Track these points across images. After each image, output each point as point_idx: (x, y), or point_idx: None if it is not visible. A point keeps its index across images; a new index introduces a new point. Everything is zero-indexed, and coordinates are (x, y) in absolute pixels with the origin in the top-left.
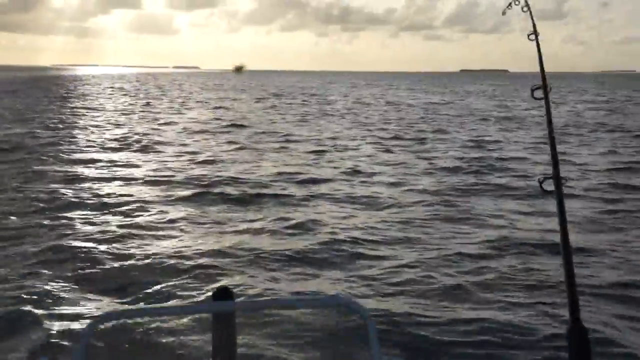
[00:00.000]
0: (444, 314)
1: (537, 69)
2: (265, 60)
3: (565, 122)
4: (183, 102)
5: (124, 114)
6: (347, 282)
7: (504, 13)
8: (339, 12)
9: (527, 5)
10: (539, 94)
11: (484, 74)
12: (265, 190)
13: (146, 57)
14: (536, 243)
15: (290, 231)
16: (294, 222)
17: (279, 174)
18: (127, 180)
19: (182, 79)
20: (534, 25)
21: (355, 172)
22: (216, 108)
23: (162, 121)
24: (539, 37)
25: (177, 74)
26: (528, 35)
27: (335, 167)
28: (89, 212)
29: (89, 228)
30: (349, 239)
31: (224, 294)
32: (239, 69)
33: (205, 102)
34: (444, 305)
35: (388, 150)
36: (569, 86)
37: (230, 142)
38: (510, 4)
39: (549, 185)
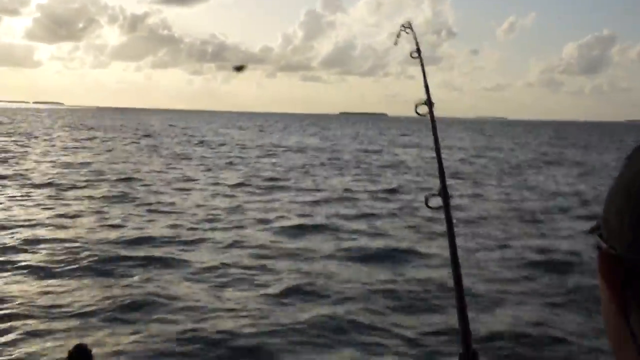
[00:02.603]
0: None
1: (411, 113)
2: (135, 98)
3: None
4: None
5: None
6: None
7: (395, 43)
8: (213, 50)
9: (410, 27)
10: (422, 109)
11: (363, 117)
12: None
13: (1, 91)
14: None
15: None
16: None
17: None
18: None
19: (40, 116)
20: (417, 44)
21: None
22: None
23: None
24: (421, 54)
25: (36, 109)
26: (411, 54)
27: None
28: None
29: None
30: None
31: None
32: (239, 69)
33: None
34: None
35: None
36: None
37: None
38: (399, 33)
39: (436, 202)
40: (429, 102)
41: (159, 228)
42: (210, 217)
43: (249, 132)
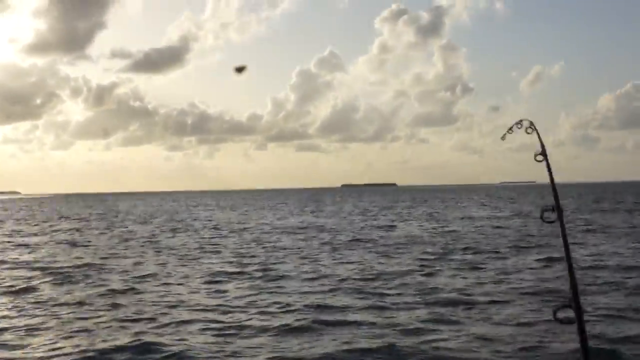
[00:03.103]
0: None
1: (425, 181)
2: (105, 182)
3: None
4: None
5: None
6: None
7: (503, 138)
8: (193, 121)
9: (531, 126)
10: (539, 157)
11: (369, 189)
12: None
13: None
14: None
15: None
16: None
17: None
18: None
19: None
20: (542, 145)
21: None
22: None
23: None
24: (547, 156)
25: None
26: (535, 156)
27: None
28: None
29: None
30: None
31: None
32: (240, 70)
33: None
34: None
35: None
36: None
37: None
38: (511, 128)
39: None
40: (557, 205)
41: None
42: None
43: (231, 211)
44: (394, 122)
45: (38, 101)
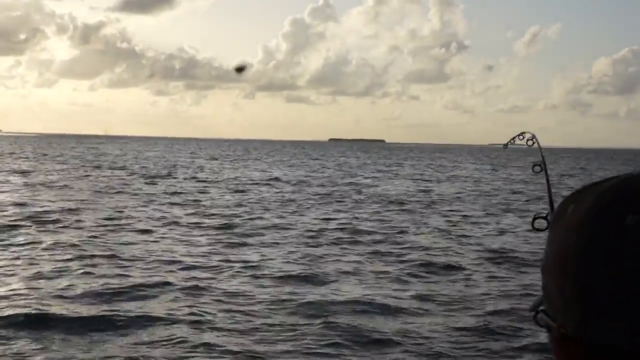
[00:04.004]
0: None
1: (414, 139)
2: (89, 123)
3: None
4: None
5: None
6: None
7: (505, 146)
8: (181, 66)
9: (533, 138)
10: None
11: (358, 144)
12: None
13: None
14: None
15: None
16: None
17: None
18: None
19: None
20: (543, 156)
21: None
22: None
23: None
24: (546, 167)
25: None
26: (533, 167)
27: None
28: None
29: None
30: None
31: None
32: (240, 70)
33: None
34: None
35: None
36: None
37: None
38: (514, 139)
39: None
40: (551, 208)
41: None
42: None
43: (219, 162)
44: (385, 78)
45: (22, 36)
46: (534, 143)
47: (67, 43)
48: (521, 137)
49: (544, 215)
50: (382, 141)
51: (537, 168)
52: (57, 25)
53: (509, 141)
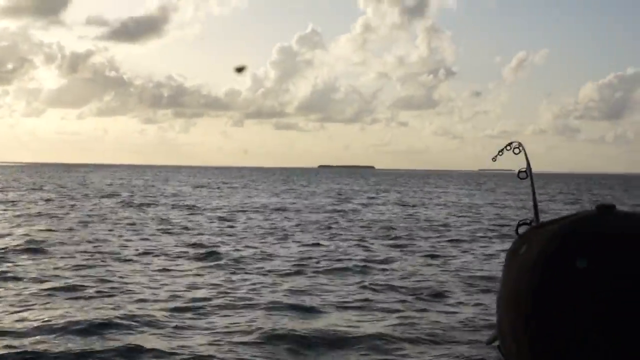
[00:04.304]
0: None
1: (404, 165)
2: (77, 152)
3: None
4: None
5: None
6: None
7: (494, 159)
8: (170, 94)
9: (519, 146)
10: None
11: (347, 171)
12: None
13: None
14: None
15: None
16: None
17: None
18: None
19: None
20: (528, 162)
21: None
22: None
23: None
24: (532, 173)
25: None
26: (518, 173)
27: None
28: None
29: None
30: None
31: None
32: (240, 70)
33: None
34: None
35: None
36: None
37: None
38: (502, 150)
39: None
40: (536, 218)
41: None
42: None
43: (205, 190)
44: (374, 104)
45: (9, 66)
46: (520, 151)
47: (55, 72)
48: (508, 147)
49: (529, 221)
50: (372, 167)
51: (523, 174)
52: (45, 55)
53: (498, 153)
